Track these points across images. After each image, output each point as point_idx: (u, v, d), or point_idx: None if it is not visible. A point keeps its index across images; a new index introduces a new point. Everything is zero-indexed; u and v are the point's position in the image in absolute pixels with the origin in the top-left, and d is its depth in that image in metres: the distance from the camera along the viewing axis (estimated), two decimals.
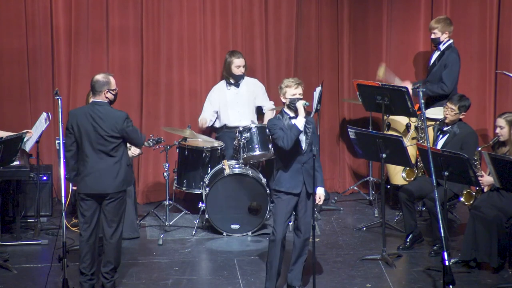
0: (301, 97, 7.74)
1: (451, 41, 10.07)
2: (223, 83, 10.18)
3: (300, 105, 7.69)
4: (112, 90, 7.71)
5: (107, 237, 7.76)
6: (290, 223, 8.15)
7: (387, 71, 10.23)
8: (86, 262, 7.71)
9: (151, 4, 10.38)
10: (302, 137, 7.74)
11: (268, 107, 10.16)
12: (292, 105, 7.73)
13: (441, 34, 10.02)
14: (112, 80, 7.72)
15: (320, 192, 7.80)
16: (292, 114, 7.75)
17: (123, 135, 7.64)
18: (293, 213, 7.86)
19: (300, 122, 7.68)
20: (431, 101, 9.98)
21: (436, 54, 10.16)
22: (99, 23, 10.35)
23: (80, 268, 7.73)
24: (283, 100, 7.80)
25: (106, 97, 7.68)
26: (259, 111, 10.28)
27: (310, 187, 7.75)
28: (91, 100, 7.74)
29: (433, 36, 10.07)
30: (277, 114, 9.95)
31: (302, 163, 7.75)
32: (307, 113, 10.03)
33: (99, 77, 7.70)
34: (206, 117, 10.11)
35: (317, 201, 7.77)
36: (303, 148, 7.74)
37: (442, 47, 10.07)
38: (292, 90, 7.74)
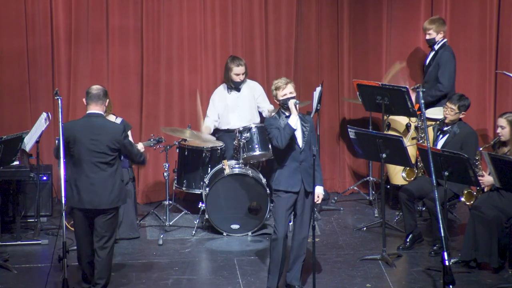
0: (293, 95, 7.74)
1: (445, 40, 10.11)
2: (223, 87, 10.16)
3: (291, 104, 7.69)
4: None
5: (98, 253, 7.64)
6: (290, 223, 8.15)
7: (398, 73, 10.21)
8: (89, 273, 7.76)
9: (151, 4, 10.39)
10: (299, 135, 7.75)
11: (268, 108, 10.12)
12: (285, 106, 7.74)
13: (436, 34, 10.06)
14: None
15: (318, 191, 7.80)
16: (288, 113, 7.76)
17: (121, 147, 7.54)
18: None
19: (293, 121, 7.68)
20: (437, 101, 9.98)
21: (431, 55, 10.19)
22: (99, 23, 10.35)
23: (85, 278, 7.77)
24: (277, 102, 7.84)
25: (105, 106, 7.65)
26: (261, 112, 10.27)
27: (308, 186, 7.76)
28: (88, 111, 7.60)
29: (428, 37, 10.11)
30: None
31: (299, 161, 7.76)
32: (307, 112, 10.11)
33: (101, 87, 7.63)
34: (210, 125, 10.06)
35: (315, 200, 7.78)
36: (300, 146, 7.76)
37: (436, 47, 10.10)
38: (282, 91, 7.76)
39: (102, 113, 7.62)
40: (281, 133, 7.66)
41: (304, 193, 7.79)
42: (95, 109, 7.58)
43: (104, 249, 7.63)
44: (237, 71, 9.95)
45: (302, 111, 10.33)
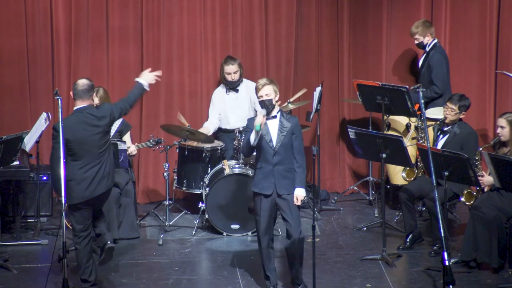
0: (269, 97, 7.64)
1: (435, 41, 10.13)
2: (222, 87, 10.16)
3: (258, 112, 7.63)
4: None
5: (104, 224, 7.89)
6: None
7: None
8: (88, 271, 7.78)
9: (151, 4, 10.39)
10: (274, 138, 7.67)
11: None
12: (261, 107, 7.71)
13: (423, 38, 10.10)
14: None
15: (297, 193, 7.67)
16: (268, 115, 7.70)
17: (114, 115, 7.67)
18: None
19: (252, 135, 7.63)
20: (431, 101, 10.00)
21: (423, 57, 10.21)
22: (99, 23, 10.35)
23: (84, 277, 7.76)
24: None
25: (93, 100, 7.72)
26: None
27: (282, 189, 7.67)
28: (76, 107, 7.65)
29: (416, 41, 10.16)
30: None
31: (273, 164, 7.68)
32: (307, 112, 10.10)
33: (87, 81, 7.64)
34: (209, 126, 10.05)
35: (294, 202, 7.69)
36: (274, 148, 7.69)
37: (427, 48, 10.12)
38: (259, 93, 7.70)
39: (90, 105, 7.65)
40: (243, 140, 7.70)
41: (278, 196, 7.71)
42: (83, 104, 7.62)
43: (104, 220, 7.94)
44: (228, 70, 9.94)
45: (302, 111, 10.38)
